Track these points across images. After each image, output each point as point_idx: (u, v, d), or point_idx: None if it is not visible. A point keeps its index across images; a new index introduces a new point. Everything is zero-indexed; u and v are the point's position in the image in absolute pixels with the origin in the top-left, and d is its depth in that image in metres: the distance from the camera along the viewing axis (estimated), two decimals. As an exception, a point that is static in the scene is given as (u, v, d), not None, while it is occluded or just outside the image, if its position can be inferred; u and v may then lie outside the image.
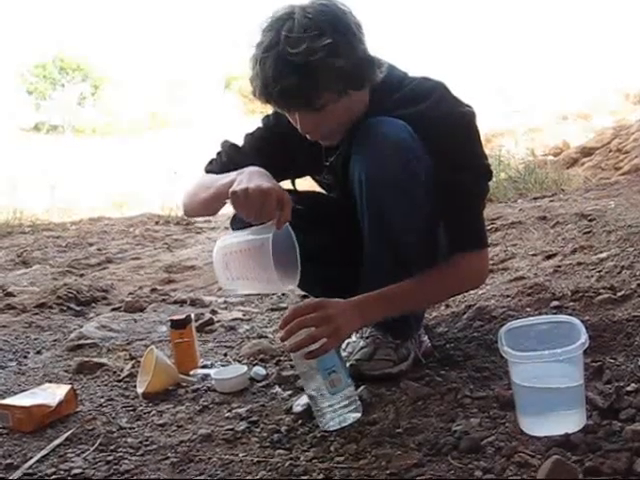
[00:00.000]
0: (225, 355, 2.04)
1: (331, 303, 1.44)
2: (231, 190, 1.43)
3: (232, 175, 1.52)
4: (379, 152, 1.47)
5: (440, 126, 1.51)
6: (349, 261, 1.66)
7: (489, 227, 3.38)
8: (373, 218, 1.54)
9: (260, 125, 1.81)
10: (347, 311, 1.44)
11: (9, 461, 1.36)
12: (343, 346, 1.73)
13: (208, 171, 1.80)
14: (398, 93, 1.57)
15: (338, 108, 1.50)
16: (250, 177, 1.46)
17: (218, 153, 1.83)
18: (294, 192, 1.76)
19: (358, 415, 1.39)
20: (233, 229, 1.74)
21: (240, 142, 1.82)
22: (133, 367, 1.92)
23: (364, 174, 1.51)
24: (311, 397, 1.40)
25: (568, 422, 1.19)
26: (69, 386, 1.66)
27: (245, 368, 1.76)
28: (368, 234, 1.58)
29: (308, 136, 1.58)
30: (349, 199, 1.61)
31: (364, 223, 1.57)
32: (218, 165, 1.78)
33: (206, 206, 1.70)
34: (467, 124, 1.56)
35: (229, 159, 1.76)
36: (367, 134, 1.51)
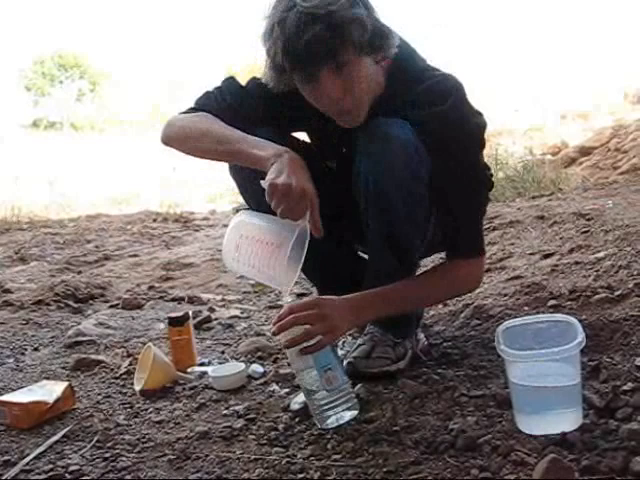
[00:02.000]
0: (223, 353, 2.04)
1: (326, 301, 1.45)
2: (272, 182, 1.36)
3: (266, 147, 1.45)
4: (384, 152, 1.48)
5: (454, 133, 1.50)
6: (349, 247, 1.67)
7: (487, 226, 3.38)
8: (376, 217, 1.55)
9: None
10: (342, 310, 1.45)
11: (6, 458, 1.36)
12: (340, 344, 1.74)
13: (202, 105, 1.65)
14: (417, 86, 1.54)
15: (361, 70, 1.45)
16: (291, 169, 1.38)
17: (218, 88, 1.68)
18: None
19: (355, 413, 1.39)
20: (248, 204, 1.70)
21: (245, 82, 1.70)
22: (130, 364, 1.92)
23: (369, 174, 1.51)
24: (307, 395, 1.40)
25: (565, 421, 1.20)
26: (66, 383, 1.66)
27: (243, 366, 1.76)
28: (371, 232, 1.59)
29: (330, 110, 1.50)
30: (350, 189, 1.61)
31: (367, 221, 1.58)
32: (216, 105, 1.64)
33: (210, 156, 1.58)
34: (479, 135, 1.56)
35: (234, 102, 1.65)
36: (373, 133, 1.51)
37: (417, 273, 1.68)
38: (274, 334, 1.42)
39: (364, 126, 1.53)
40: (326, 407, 1.36)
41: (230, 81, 1.71)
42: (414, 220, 1.54)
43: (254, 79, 1.65)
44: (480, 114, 1.57)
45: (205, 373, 1.79)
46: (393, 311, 1.56)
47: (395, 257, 1.57)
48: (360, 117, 1.52)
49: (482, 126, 1.56)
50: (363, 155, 1.53)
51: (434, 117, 1.50)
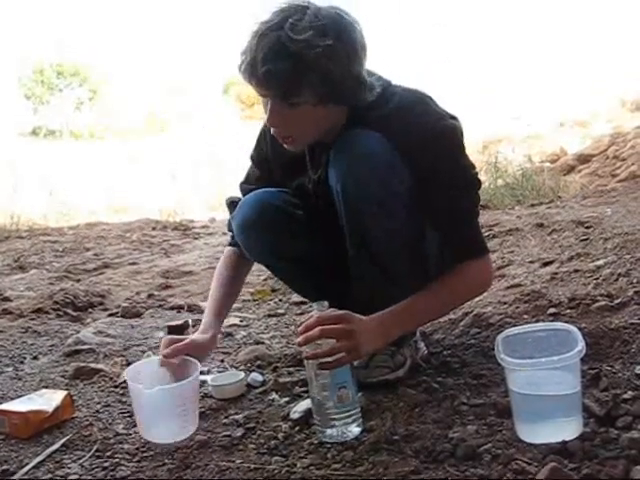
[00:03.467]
0: (222, 361, 2.03)
1: (355, 319, 1.41)
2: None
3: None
4: (353, 167, 1.48)
5: (425, 144, 1.49)
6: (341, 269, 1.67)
7: (486, 234, 3.38)
8: (352, 232, 1.56)
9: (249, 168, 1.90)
10: (370, 330, 1.43)
11: (5, 467, 1.36)
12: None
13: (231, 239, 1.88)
14: (381, 109, 1.54)
15: (311, 115, 1.49)
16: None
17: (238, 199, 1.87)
18: (290, 194, 1.76)
19: (358, 431, 1.37)
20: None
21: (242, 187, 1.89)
22: (130, 373, 1.91)
23: (337, 185, 1.51)
24: (315, 406, 1.38)
25: (565, 429, 1.20)
26: (66, 392, 1.65)
27: (242, 374, 1.75)
28: (349, 245, 1.59)
29: (272, 130, 1.56)
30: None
31: (346, 234, 1.59)
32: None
33: None
34: (451, 139, 1.54)
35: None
36: (342, 148, 1.51)
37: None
38: (300, 345, 1.38)
39: (337, 140, 1.54)
40: (332, 423, 1.35)
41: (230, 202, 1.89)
42: (389, 224, 1.52)
43: (241, 185, 1.90)
44: (452, 117, 1.56)
45: (204, 382, 1.78)
46: (417, 325, 1.60)
47: (383, 274, 1.57)
48: (298, 146, 1.60)
49: (453, 129, 1.54)
50: (331, 168, 1.54)
51: (404, 132, 1.49)
